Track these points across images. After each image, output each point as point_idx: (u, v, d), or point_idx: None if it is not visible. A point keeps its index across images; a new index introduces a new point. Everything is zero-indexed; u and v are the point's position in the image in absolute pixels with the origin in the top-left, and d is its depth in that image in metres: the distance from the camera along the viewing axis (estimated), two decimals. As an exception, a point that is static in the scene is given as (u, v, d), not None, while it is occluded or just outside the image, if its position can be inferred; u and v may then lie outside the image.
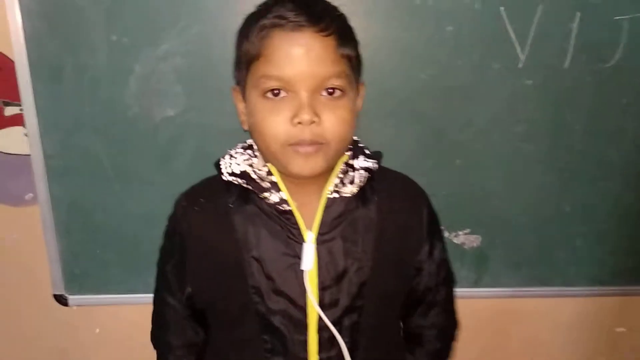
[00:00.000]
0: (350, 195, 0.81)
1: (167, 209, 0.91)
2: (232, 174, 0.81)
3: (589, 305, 1.46)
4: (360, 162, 0.83)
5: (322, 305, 0.80)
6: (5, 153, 1.24)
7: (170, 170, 1.22)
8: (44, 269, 1.31)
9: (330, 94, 0.73)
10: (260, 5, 0.77)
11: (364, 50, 0.83)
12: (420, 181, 0.94)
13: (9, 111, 1.21)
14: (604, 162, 1.27)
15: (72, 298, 1.34)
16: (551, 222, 1.31)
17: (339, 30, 0.74)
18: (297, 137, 0.72)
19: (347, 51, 0.75)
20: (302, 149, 0.73)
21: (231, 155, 0.84)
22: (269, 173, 0.81)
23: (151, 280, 1.28)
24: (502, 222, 1.31)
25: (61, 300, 1.34)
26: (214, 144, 1.18)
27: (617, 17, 1.15)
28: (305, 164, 0.74)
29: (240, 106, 0.81)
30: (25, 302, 1.40)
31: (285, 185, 0.80)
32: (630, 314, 1.48)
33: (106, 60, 1.13)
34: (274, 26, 0.71)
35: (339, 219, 0.81)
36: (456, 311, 0.99)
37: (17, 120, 1.21)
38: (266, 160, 0.80)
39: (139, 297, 1.31)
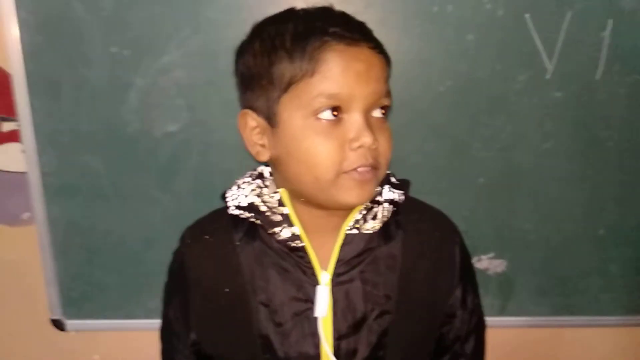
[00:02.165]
0: (371, 231, 0.73)
1: (169, 229, 0.85)
2: (239, 207, 0.73)
3: (624, 336, 1.39)
4: (385, 193, 0.75)
5: (337, 355, 0.73)
6: (1, 170, 1.20)
7: (172, 188, 1.17)
8: (40, 292, 1.26)
9: (383, 114, 0.68)
10: (284, 20, 0.68)
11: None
12: (440, 201, 0.86)
13: (6, 127, 1.17)
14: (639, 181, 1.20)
15: (70, 323, 1.29)
16: (583, 246, 1.25)
17: (383, 47, 0.69)
18: (357, 162, 0.64)
19: (389, 70, 0.70)
20: (361, 176, 0.65)
21: (239, 186, 0.75)
22: (280, 202, 0.72)
23: (152, 305, 1.22)
24: (529, 246, 1.24)
25: (59, 325, 1.30)
26: (218, 160, 1.14)
27: (654, 24, 1.09)
28: (362, 192, 0.66)
29: (254, 133, 0.70)
30: (21, 327, 1.35)
31: (298, 218, 0.71)
32: (669, 345, 1.40)
33: (106, 74, 1.09)
34: (329, 41, 0.63)
35: (358, 258, 0.73)
36: None
37: (14, 136, 1.17)
38: (300, 194, 0.70)
39: (140, 322, 1.27)
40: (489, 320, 1.24)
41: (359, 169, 0.65)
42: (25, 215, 1.24)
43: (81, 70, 1.09)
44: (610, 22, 1.09)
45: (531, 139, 1.16)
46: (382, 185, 0.74)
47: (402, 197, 0.75)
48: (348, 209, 0.71)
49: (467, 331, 0.82)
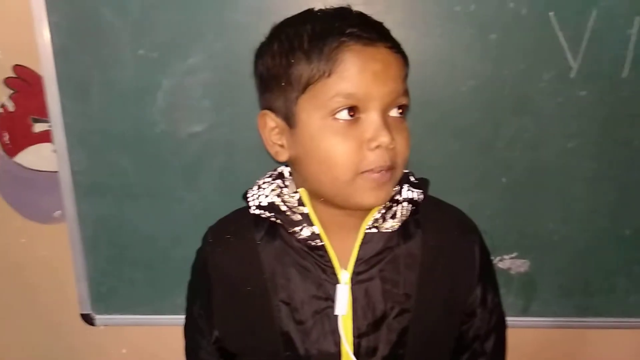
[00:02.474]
0: (390, 230, 0.74)
1: (195, 226, 0.86)
2: (260, 206, 0.74)
3: (651, 338, 1.35)
4: (405, 192, 0.75)
5: (357, 354, 0.74)
6: (34, 170, 1.24)
7: (197, 187, 1.19)
8: (71, 287, 1.30)
9: (401, 113, 0.68)
10: (302, 21, 0.69)
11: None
12: (463, 201, 0.86)
13: (38, 128, 1.20)
14: (667, 181, 1.17)
15: (99, 317, 1.32)
16: (608, 246, 1.22)
17: (400, 47, 0.69)
18: (375, 162, 0.65)
19: (407, 69, 0.70)
20: (377, 176, 0.65)
21: (259, 186, 0.76)
22: (300, 202, 0.72)
23: (179, 302, 1.24)
24: (553, 246, 1.22)
25: (88, 319, 1.33)
26: (242, 160, 1.16)
27: (683, 21, 1.07)
28: (379, 193, 0.67)
29: (273, 134, 0.71)
30: (52, 321, 1.39)
31: (318, 217, 0.72)
32: (699, 348, 1.36)
33: (133, 75, 1.12)
34: (346, 41, 0.64)
35: (377, 257, 0.74)
36: None
37: (46, 136, 1.20)
38: (319, 193, 0.70)
39: (167, 317, 1.29)
40: (512, 320, 1.23)
41: (375, 170, 0.65)
42: (57, 213, 1.27)
43: (110, 72, 1.11)
44: (637, 20, 1.06)
45: (555, 139, 1.14)
46: (401, 184, 0.75)
47: (421, 196, 0.76)
48: (366, 210, 0.71)
49: (487, 330, 0.81)
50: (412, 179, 0.77)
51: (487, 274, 0.82)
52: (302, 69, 0.65)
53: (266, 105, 0.71)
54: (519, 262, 1.23)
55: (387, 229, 0.73)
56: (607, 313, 1.27)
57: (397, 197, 0.74)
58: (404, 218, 0.74)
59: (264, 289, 0.75)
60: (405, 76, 0.69)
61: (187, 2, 1.07)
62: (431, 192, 0.79)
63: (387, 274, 0.74)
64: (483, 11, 1.06)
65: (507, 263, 1.23)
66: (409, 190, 0.75)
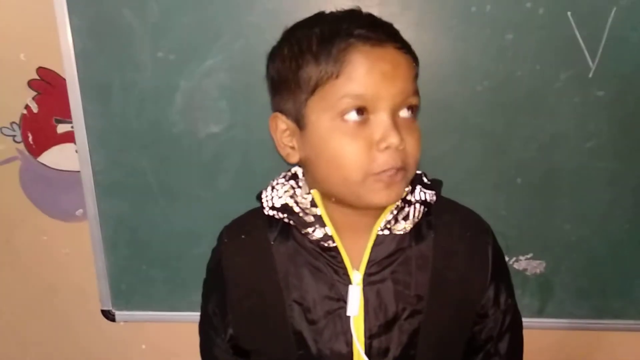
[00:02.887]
0: (403, 232, 0.74)
1: (212, 226, 0.87)
2: (273, 207, 0.75)
3: (671, 341, 1.33)
4: (417, 194, 0.75)
5: (369, 354, 0.74)
6: (56, 169, 1.27)
7: (214, 186, 1.21)
8: (92, 284, 1.33)
9: (411, 113, 0.68)
10: (312, 24, 0.69)
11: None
12: (478, 201, 0.86)
13: (61, 128, 1.23)
14: (687, 182, 1.15)
15: (119, 314, 1.35)
16: (625, 248, 1.21)
17: (410, 47, 0.69)
18: (385, 164, 0.65)
19: (417, 69, 0.70)
20: (388, 177, 0.65)
21: (273, 187, 0.77)
22: (313, 203, 0.73)
23: (196, 299, 1.26)
24: (569, 247, 1.21)
25: (109, 315, 1.36)
26: (258, 160, 1.17)
27: None
28: (390, 193, 0.66)
29: (284, 136, 0.72)
30: (74, 317, 1.43)
31: (331, 218, 0.73)
32: None
33: (152, 77, 1.14)
34: (354, 43, 0.64)
35: (389, 259, 0.74)
36: None
37: (68, 137, 1.23)
38: (330, 194, 0.71)
39: (184, 314, 1.31)
40: (527, 321, 1.22)
41: (386, 171, 0.65)
42: (78, 212, 1.30)
43: (130, 75, 1.13)
44: (657, 18, 1.05)
45: (572, 139, 1.13)
46: (413, 185, 0.74)
47: (434, 198, 0.75)
48: (379, 209, 0.71)
49: (500, 331, 0.81)
50: (425, 180, 0.77)
51: (500, 275, 0.81)
52: (311, 71, 0.65)
53: (277, 108, 0.72)
54: (534, 263, 1.22)
55: (399, 231, 0.73)
56: (624, 315, 1.26)
57: (410, 198, 0.74)
58: (416, 219, 0.74)
59: (277, 288, 0.76)
60: (416, 76, 0.69)
61: (204, 5, 1.08)
62: (445, 193, 0.79)
63: (399, 276, 0.74)
64: (499, 11, 1.06)
65: (522, 264, 1.22)
66: (421, 191, 0.75)
